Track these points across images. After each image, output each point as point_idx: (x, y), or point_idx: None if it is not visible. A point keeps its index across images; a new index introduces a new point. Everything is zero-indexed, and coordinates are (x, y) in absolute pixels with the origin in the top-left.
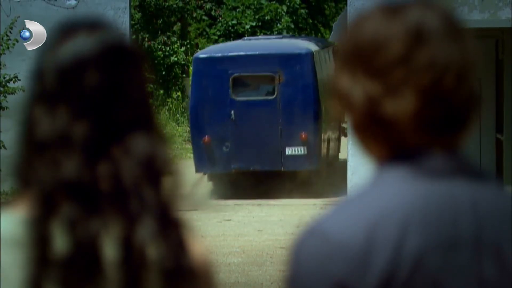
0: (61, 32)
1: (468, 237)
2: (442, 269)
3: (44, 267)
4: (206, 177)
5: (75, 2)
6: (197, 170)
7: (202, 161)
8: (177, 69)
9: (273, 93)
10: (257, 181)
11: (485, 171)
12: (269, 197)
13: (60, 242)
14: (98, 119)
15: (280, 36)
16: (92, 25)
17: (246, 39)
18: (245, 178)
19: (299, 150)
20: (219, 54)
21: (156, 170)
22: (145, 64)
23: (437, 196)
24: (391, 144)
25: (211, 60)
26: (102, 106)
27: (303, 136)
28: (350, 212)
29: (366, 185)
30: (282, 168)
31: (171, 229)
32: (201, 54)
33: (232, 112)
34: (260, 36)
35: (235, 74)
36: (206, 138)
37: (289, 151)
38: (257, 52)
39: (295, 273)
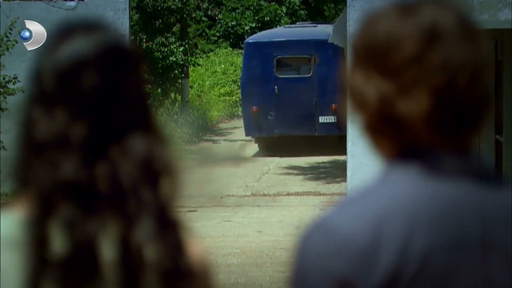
0: (59, 34)
1: (474, 237)
2: (448, 268)
3: (42, 267)
4: (253, 140)
5: (75, 3)
6: (247, 134)
7: (250, 127)
8: (176, 70)
9: (309, 72)
10: (295, 144)
11: (494, 172)
12: (305, 156)
13: (58, 242)
14: (96, 120)
15: (315, 24)
16: (90, 26)
17: (287, 27)
18: (285, 141)
19: (330, 119)
20: (266, 40)
21: (154, 171)
22: (143, 65)
23: (445, 195)
24: (402, 143)
25: (259, 44)
26: (100, 107)
27: (334, 107)
28: (357, 209)
29: (373, 182)
30: (316, 133)
31: (169, 230)
32: (251, 39)
33: (276, 87)
34: (298, 24)
35: (279, 56)
36: (254, 108)
37: (322, 119)
38: (296, 38)
39: (300, 269)
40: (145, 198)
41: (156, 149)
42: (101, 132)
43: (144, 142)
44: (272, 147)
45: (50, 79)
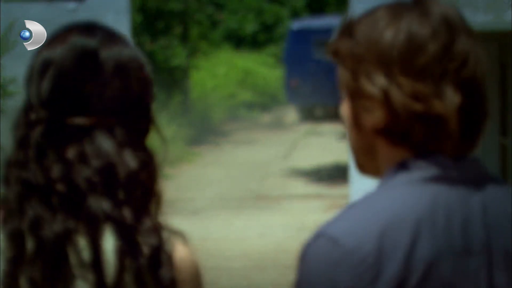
0: (48, 38)
1: (478, 243)
2: (453, 275)
3: (17, 264)
4: (293, 109)
5: (75, 5)
6: (289, 102)
7: (292, 96)
8: (179, 72)
9: None
10: (328, 111)
11: (496, 176)
12: (335, 123)
13: (29, 239)
14: (52, 121)
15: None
16: (67, 31)
17: (327, 17)
18: (320, 109)
19: None
20: (307, 26)
21: (114, 177)
22: (119, 73)
23: (449, 201)
24: (412, 146)
25: (301, 30)
26: (57, 109)
27: None
28: (360, 216)
29: (375, 189)
30: None
31: (137, 236)
32: (294, 26)
33: (314, 65)
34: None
35: (316, 40)
36: (295, 81)
37: None
38: (333, 25)
39: (303, 279)
40: (103, 204)
41: (122, 156)
42: (56, 134)
43: (107, 148)
44: (309, 114)
45: (25, 82)
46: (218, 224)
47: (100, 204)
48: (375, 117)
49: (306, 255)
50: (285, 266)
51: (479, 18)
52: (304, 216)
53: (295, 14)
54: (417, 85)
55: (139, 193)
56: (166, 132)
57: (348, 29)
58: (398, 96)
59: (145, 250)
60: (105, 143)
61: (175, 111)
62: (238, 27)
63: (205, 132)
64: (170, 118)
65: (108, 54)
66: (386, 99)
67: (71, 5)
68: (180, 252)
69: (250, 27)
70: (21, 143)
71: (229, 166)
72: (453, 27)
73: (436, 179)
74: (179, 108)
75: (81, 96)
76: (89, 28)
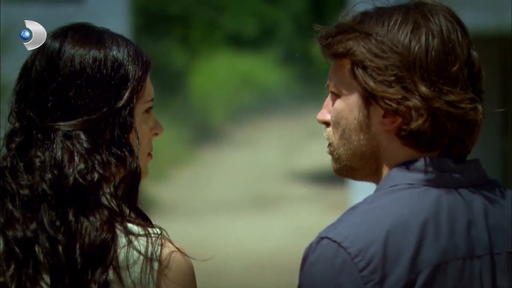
0: None
1: (482, 246)
2: (458, 278)
3: None
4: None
5: (74, 6)
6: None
7: None
8: (179, 75)
9: None
10: None
11: (494, 178)
12: None
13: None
14: (23, 125)
15: None
16: (49, 35)
17: None
18: None
19: None
20: None
21: (63, 187)
22: (78, 74)
23: (452, 203)
24: (433, 148)
25: None
26: (25, 116)
27: None
28: (364, 219)
29: (376, 190)
30: None
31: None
32: None
33: None
34: None
35: None
36: None
37: None
38: None
39: (306, 283)
40: (51, 213)
41: (73, 163)
42: (26, 137)
43: (59, 156)
44: None
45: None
46: (218, 226)
47: (49, 214)
48: (414, 122)
49: (309, 259)
50: (284, 267)
51: (479, 19)
52: (304, 217)
53: (295, 17)
54: (454, 91)
55: (91, 196)
56: (166, 134)
57: (360, 29)
58: (439, 103)
59: (80, 249)
60: (59, 151)
61: (175, 113)
62: (238, 30)
63: (205, 134)
64: (170, 120)
65: (70, 55)
66: (427, 106)
67: (70, 8)
68: (167, 250)
69: (250, 30)
70: (6, 151)
71: (229, 168)
72: (466, 31)
73: (439, 181)
74: (179, 110)
75: (43, 101)
76: (62, 30)
